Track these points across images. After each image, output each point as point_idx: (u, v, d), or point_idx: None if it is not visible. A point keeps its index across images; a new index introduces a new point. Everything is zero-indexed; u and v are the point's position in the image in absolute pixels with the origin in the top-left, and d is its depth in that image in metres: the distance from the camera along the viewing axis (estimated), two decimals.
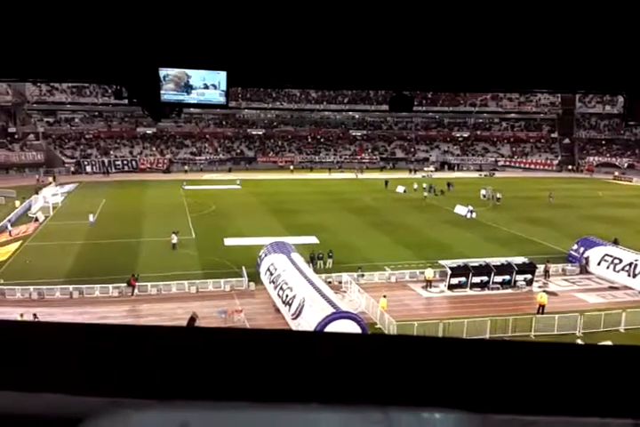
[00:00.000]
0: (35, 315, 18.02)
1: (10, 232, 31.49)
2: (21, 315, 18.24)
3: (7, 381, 0.63)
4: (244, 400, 0.59)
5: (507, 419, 0.63)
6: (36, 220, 34.87)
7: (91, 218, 34.19)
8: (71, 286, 22.12)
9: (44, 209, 36.89)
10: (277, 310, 20.07)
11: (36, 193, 41.11)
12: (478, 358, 0.78)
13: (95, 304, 21.17)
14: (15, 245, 28.52)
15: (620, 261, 24.63)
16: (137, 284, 22.27)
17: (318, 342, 0.82)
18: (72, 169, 59.78)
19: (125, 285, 22.21)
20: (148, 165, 63.73)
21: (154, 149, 66.86)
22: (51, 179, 52.16)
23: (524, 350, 0.82)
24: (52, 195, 40.57)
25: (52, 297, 21.73)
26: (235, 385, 0.67)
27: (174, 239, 28.37)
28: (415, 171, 64.41)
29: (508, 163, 72.19)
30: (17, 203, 38.81)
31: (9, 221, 33.49)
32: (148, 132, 67.40)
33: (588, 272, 25.66)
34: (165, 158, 65.30)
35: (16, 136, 61.85)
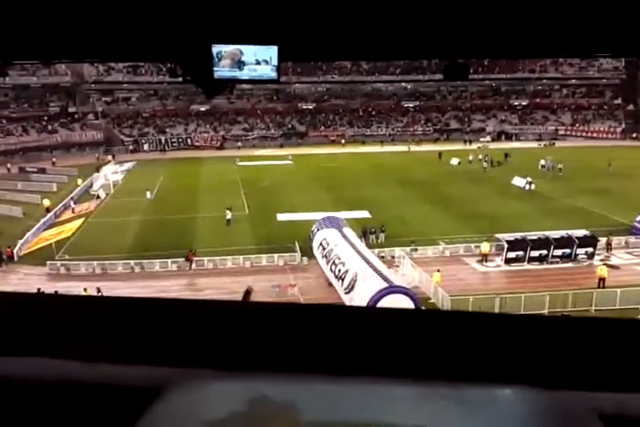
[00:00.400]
0: (98, 289, 18.79)
1: (73, 209, 32.96)
2: (85, 289, 19.11)
3: (99, 354, 0.68)
4: (317, 373, 0.60)
5: (577, 395, 0.64)
6: (98, 197, 36.29)
7: (148, 195, 35.37)
8: (132, 261, 23.06)
9: (105, 187, 38.32)
10: (330, 285, 20.26)
11: (97, 171, 42.69)
12: (547, 335, 0.77)
13: (155, 278, 22.01)
14: (78, 222, 29.83)
15: None
16: (194, 258, 22.94)
17: (383, 318, 0.83)
18: (130, 147, 61.54)
19: (183, 259, 22.94)
20: (202, 142, 64.76)
21: (207, 126, 67.81)
22: (110, 157, 53.96)
23: (592, 326, 0.81)
24: (112, 173, 42.05)
25: (115, 272, 22.73)
26: (306, 359, 0.70)
27: (229, 215, 28.94)
28: (470, 142, 62.70)
29: (568, 132, 69.21)
30: (79, 181, 40.47)
31: (72, 198, 35.03)
32: (201, 109, 68.27)
33: None
34: (219, 135, 66.16)
35: (76, 116, 64.04)
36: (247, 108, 70.61)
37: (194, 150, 61.56)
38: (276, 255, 23.55)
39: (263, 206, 32.41)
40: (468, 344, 0.75)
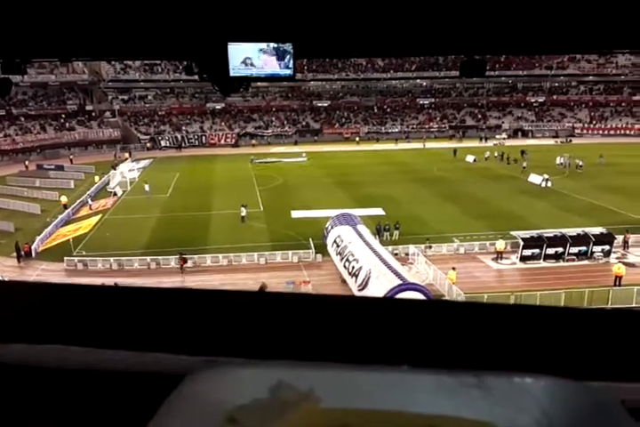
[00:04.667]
0: (115, 284, 19.05)
1: (90, 206, 33.31)
2: (102, 284, 19.32)
3: (117, 341, 0.70)
4: (334, 362, 0.61)
5: (601, 386, 0.64)
6: (115, 194, 36.63)
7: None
8: (148, 257, 23.26)
9: (122, 184, 38.66)
10: (344, 282, 20.27)
11: (114, 168, 43.07)
12: (567, 326, 0.77)
13: (171, 274, 22.19)
14: (95, 219, 30.16)
15: None
16: (187, 262, 22.56)
17: (399, 308, 0.84)
18: (147, 145, 62.01)
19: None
20: (218, 140, 65.05)
21: (223, 123, 68.07)
22: (127, 155, 54.40)
23: (611, 318, 0.81)
24: (128, 170, 42.41)
25: (131, 268, 22.95)
26: (323, 348, 0.70)
27: (243, 212, 29.06)
28: (486, 139, 62.20)
29: (585, 131, 68.34)
30: (96, 178, 40.88)
31: (89, 195, 35.40)
32: (217, 107, 68.55)
33: None
34: (234, 133, 66.39)
35: (93, 114, 64.63)
36: (262, 105, 70.73)
37: (209, 148, 61.84)
38: (290, 252, 23.60)
39: (278, 203, 32.47)
40: (486, 335, 0.75)
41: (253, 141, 64.40)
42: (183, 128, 66.33)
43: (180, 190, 37.33)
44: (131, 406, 0.62)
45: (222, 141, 64.99)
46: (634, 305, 17.72)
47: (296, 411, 0.52)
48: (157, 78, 67.85)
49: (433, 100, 73.22)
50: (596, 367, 0.68)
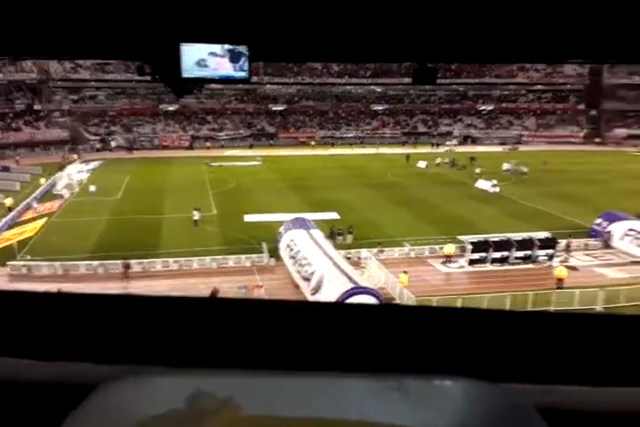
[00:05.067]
0: (59, 290, 18.40)
1: (35, 209, 32.12)
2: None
3: (29, 350, 0.65)
4: (263, 368, 0.60)
5: (517, 388, 0.64)
6: (61, 197, 35.46)
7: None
8: (95, 262, 22.58)
9: (69, 186, 37.47)
10: (297, 286, 20.25)
11: (61, 170, 41.69)
12: (486, 328, 0.78)
13: (118, 280, 21.59)
14: (41, 222, 29.10)
15: None
16: (129, 270, 21.93)
17: (333, 313, 0.83)
18: (97, 146, 60.33)
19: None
20: (171, 142, 63.99)
21: (176, 125, 67.01)
22: (75, 156, 52.78)
23: (530, 320, 0.82)
24: (77, 172, 41.15)
25: (77, 273, 22.22)
26: (253, 354, 0.68)
27: (196, 216, 28.66)
28: (437, 145, 63.59)
29: (531, 138, 70.72)
30: (42, 180, 39.46)
31: (35, 197, 34.13)
32: (170, 108, 67.40)
33: (610, 247, 25.32)
34: (187, 135, 65.47)
35: (41, 114, 62.45)
36: (217, 108, 70.04)
37: (162, 150, 60.75)
38: (243, 256, 23.41)
39: (231, 207, 32.19)
40: (412, 338, 0.75)
41: (208, 144, 63.64)
42: (135, 129, 64.90)
43: (131, 193, 36.47)
44: (38, 420, 0.59)
45: (175, 143, 63.98)
46: (575, 307, 18.40)
47: (215, 419, 0.51)
48: (109, 78, 66.18)
49: (387, 106, 74.33)
50: (510, 370, 0.68)
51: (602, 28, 3.06)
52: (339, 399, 0.55)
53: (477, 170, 42.64)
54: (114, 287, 20.58)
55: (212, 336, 0.73)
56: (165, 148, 62.16)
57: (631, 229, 24.93)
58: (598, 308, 18.51)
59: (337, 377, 0.58)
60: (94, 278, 21.74)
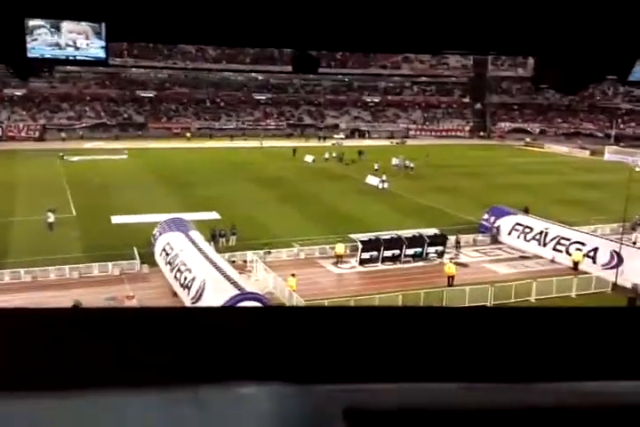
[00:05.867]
0: None
1: None
2: None
3: None
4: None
5: (326, 389, 0.65)
6: None
7: None
8: None
9: None
10: (175, 295, 19.79)
11: None
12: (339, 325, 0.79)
13: None
14: None
15: (531, 230, 26.41)
16: None
17: (216, 318, 0.81)
18: None
19: None
20: (18, 132, 60.13)
21: (24, 113, 62.62)
22: None
23: (361, 316, 0.85)
24: None
25: None
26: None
27: (50, 218, 27.04)
28: (325, 138, 64.96)
29: (418, 132, 74.42)
30: None
31: None
32: (16, 93, 62.88)
33: (499, 242, 27.34)
34: (38, 124, 61.59)
35: None
36: (73, 93, 66.31)
37: (7, 142, 56.76)
38: (110, 264, 22.40)
39: (94, 208, 30.68)
40: (221, 343, 0.74)
41: (63, 135, 60.13)
42: None
43: None
44: None
45: (23, 134, 60.09)
46: (467, 305, 19.63)
47: None
48: None
49: (269, 95, 74.62)
50: (323, 370, 0.69)
51: (483, 20, 3.28)
52: (122, 415, 0.55)
53: (376, 166, 43.71)
54: None
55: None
56: (11, 139, 58.29)
57: (518, 224, 27.08)
58: (489, 304, 19.89)
59: (121, 392, 0.58)
60: None
